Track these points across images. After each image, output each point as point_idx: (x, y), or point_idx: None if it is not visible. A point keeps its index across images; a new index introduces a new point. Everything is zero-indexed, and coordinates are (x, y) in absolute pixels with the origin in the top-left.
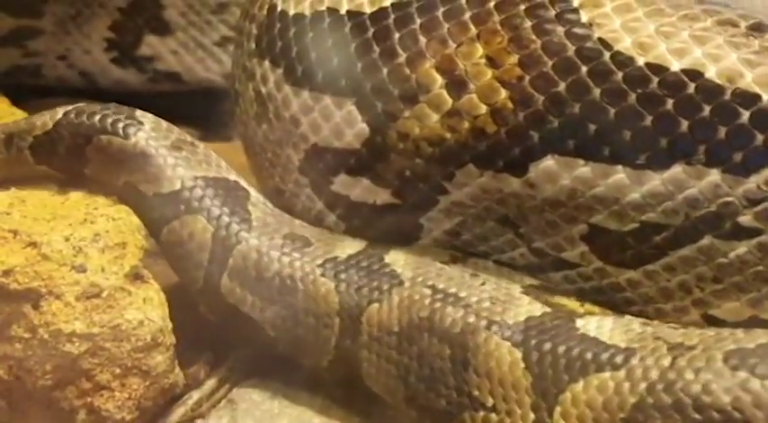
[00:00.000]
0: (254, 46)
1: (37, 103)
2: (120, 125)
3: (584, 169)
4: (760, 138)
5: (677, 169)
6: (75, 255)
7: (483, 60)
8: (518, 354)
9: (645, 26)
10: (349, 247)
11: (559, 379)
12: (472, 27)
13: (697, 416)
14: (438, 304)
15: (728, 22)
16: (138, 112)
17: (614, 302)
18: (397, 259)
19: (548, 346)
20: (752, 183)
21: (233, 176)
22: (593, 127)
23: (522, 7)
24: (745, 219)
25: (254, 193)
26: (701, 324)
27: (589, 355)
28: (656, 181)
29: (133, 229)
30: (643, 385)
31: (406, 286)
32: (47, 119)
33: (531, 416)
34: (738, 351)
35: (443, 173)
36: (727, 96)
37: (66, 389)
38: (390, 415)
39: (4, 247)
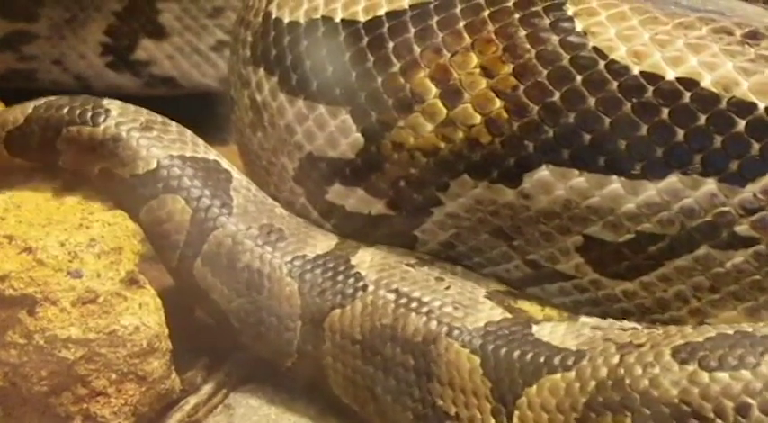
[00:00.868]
0: (249, 53)
1: None
2: (88, 114)
3: (579, 179)
4: (756, 147)
5: (673, 179)
6: (71, 260)
7: (477, 70)
8: (477, 360)
9: (640, 35)
10: (320, 244)
11: (515, 384)
12: (467, 36)
13: (646, 410)
14: (401, 310)
15: (724, 30)
16: (105, 100)
17: (610, 313)
18: (363, 261)
19: (503, 351)
20: (748, 192)
21: (212, 156)
22: (588, 137)
23: (517, 16)
24: (742, 228)
25: (236, 174)
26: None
27: (541, 359)
28: (651, 191)
29: (129, 235)
30: (592, 384)
31: (370, 290)
32: (18, 113)
33: (492, 421)
34: (687, 345)
35: (438, 183)
36: (723, 105)
37: (61, 395)
38: None
39: None
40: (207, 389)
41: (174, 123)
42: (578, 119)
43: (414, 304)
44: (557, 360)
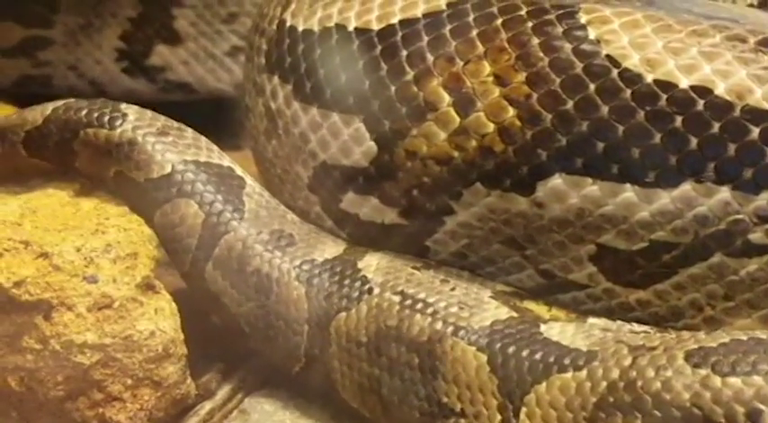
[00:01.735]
0: (263, 61)
1: None
2: (106, 117)
3: (592, 188)
4: None
5: (687, 187)
6: (87, 265)
7: (490, 78)
8: (483, 357)
9: (653, 43)
10: (329, 249)
11: (524, 381)
12: (479, 45)
13: (657, 413)
14: (406, 311)
15: (737, 37)
16: (123, 105)
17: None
18: (369, 264)
19: (511, 349)
20: (762, 200)
21: (227, 162)
22: (601, 145)
23: (530, 24)
24: (756, 236)
25: (249, 181)
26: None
27: (551, 358)
28: (665, 199)
29: (144, 240)
30: (604, 384)
31: (375, 293)
32: (37, 114)
33: (498, 417)
34: (700, 350)
35: (451, 192)
36: (737, 113)
37: (77, 400)
38: None
39: (16, 258)
40: (222, 394)
41: (189, 129)
42: (591, 127)
43: (419, 305)
44: (567, 359)
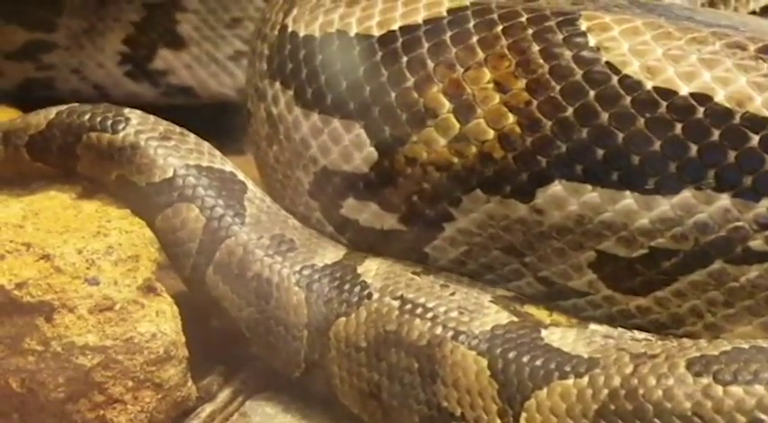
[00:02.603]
0: (265, 67)
1: None
2: (108, 122)
3: (592, 195)
4: None
5: (687, 194)
6: (88, 267)
7: (490, 85)
8: (484, 362)
9: (653, 50)
10: (329, 254)
11: (524, 386)
12: (480, 51)
13: (658, 422)
14: (405, 316)
15: (737, 45)
16: (126, 109)
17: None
18: (369, 269)
19: (512, 354)
20: (762, 207)
21: (228, 167)
22: (601, 152)
23: (530, 31)
24: (756, 243)
25: (251, 186)
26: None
27: (552, 364)
28: (665, 206)
29: (146, 242)
30: (605, 392)
31: (375, 298)
32: (41, 118)
33: (498, 422)
34: (702, 358)
35: (450, 198)
36: (737, 120)
37: (78, 402)
38: None
39: (17, 259)
40: (223, 397)
41: (192, 135)
42: (591, 134)
43: (418, 310)
44: (568, 366)
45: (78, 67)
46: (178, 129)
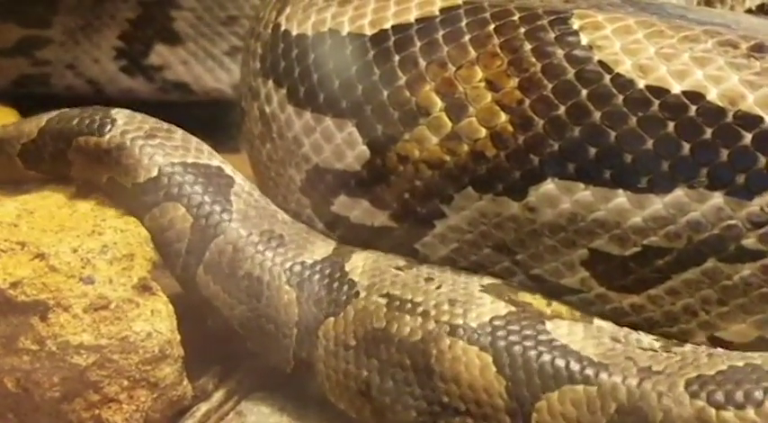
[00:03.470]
0: (258, 65)
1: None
2: (95, 125)
3: (584, 193)
4: (762, 160)
5: (679, 193)
6: (83, 266)
7: (483, 83)
8: (488, 357)
9: (645, 48)
10: (318, 250)
11: (534, 385)
12: (472, 50)
13: None
14: (394, 313)
15: (729, 43)
16: (114, 110)
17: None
18: (356, 266)
19: (519, 349)
20: (755, 205)
21: (215, 162)
22: (593, 150)
23: (522, 30)
24: (749, 241)
25: (239, 179)
26: (707, 346)
27: (563, 365)
28: (657, 205)
29: (141, 241)
30: (613, 407)
31: (362, 297)
32: (33, 126)
33: (507, 420)
34: (698, 378)
35: (442, 196)
36: (729, 119)
37: (73, 401)
38: None
39: (12, 258)
40: (218, 396)
41: (179, 130)
42: (584, 132)
43: (407, 306)
44: (578, 369)
45: (73, 62)
46: (165, 125)
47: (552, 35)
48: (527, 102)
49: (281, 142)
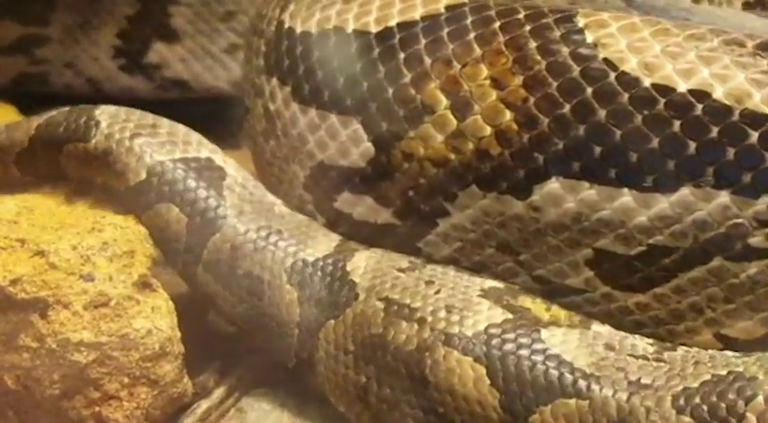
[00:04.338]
0: (262, 63)
1: (43, 111)
2: (81, 130)
3: (589, 192)
4: None
5: (685, 192)
6: (83, 263)
7: (488, 81)
8: (482, 369)
9: (651, 46)
10: (319, 245)
11: (527, 399)
12: (477, 48)
13: None
14: (391, 319)
15: (735, 41)
16: (98, 110)
17: (624, 326)
18: (358, 267)
19: (512, 360)
20: (762, 204)
21: (205, 153)
22: (598, 149)
23: (528, 28)
24: (756, 240)
25: (231, 170)
26: (714, 343)
27: (555, 377)
28: (663, 204)
29: (141, 238)
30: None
31: (361, 300)
32: (23, 134)
33: None
34: (683, 392)
35: (446, 194)
36: (735, 117)
37: (74, 398)
38: None
39: (12, 255)
40: (219, 393)
41: (165, 122)
42: (589, 131)
43: (404, 312)
44: (570, 382)
45: (72, 60)
46: (150, 118)
47: (557, 33)
48: (532, 100)
49: (286, 139)
